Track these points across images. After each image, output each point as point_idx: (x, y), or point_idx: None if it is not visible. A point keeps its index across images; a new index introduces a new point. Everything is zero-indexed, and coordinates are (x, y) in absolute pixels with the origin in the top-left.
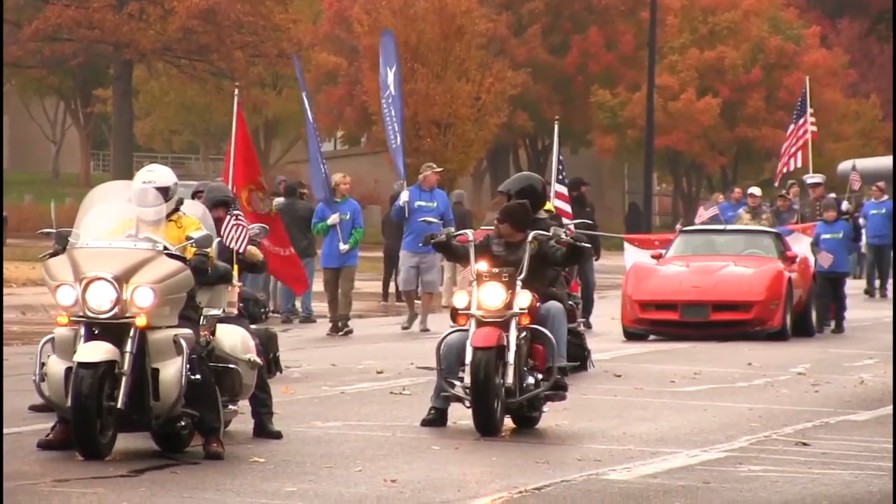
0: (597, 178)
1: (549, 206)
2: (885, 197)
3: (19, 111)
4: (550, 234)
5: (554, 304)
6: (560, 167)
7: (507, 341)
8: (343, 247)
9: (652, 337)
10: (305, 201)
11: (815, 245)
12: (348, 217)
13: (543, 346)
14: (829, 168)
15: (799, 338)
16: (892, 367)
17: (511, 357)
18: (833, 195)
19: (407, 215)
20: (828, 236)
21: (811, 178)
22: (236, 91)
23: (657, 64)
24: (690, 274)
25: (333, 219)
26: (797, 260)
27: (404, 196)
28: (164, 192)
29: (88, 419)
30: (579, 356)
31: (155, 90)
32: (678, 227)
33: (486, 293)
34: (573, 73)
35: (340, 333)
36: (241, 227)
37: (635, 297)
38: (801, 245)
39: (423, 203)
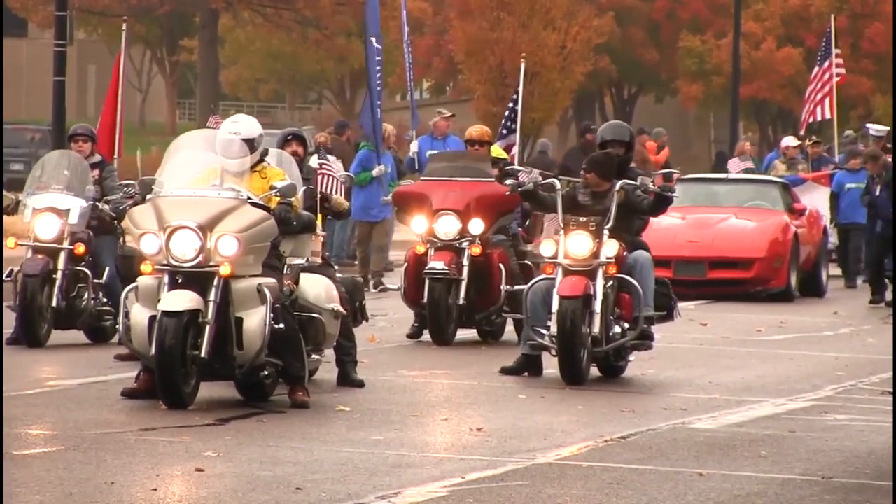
0: (683, 127)
1: (500, 152)
2: None
3: (106, 60)
4: (637, 183)
5: (641, 254)
6: (513, 113)
7: (594, 290)
8: (387, 199)
9: None
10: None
11: (836, 196)
12: (389, 170)
13: (630, 295)
14: None
15: (809, 297)
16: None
17: (598, 306)
18: (859, 144)
19: (417, 167)
20: (852, 185)
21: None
22: (123, 26)
23: (743, 10)
24: (686, 227)
25: (379, 170)
26: (806, 213)
27: (414, 146)
28: (250, 143)
29: (172, 368)
30: (666, 305)
31: (241, 39)
32: (675, 174)
33: (573, 242)
34: (661, 20)
35: (377, 290)
36: (329, 177)
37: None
38: (813, 196)
39: (434, 152)
